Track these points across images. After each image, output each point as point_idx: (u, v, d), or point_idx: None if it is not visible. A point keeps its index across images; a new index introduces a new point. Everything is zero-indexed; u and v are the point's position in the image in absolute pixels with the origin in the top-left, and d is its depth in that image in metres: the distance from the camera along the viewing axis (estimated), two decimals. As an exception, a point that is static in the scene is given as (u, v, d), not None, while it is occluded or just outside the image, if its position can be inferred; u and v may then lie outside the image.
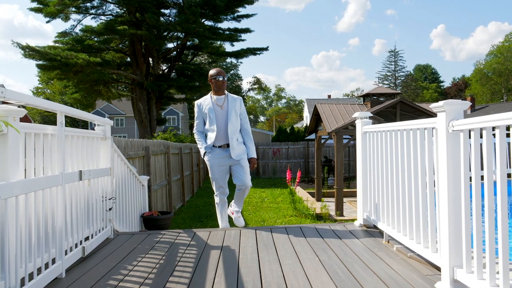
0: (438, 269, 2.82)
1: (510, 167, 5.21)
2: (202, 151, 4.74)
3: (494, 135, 2.17)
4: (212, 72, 4.72)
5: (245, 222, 4.73)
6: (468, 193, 2.41)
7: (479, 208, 2.31)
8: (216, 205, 4.90)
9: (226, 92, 4.77)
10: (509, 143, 5.00)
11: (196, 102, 4.77)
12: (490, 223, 2.19)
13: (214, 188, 4.82)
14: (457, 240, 2.48)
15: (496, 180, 2.11)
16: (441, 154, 2.56)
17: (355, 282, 2.75)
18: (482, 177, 2.27)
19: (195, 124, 4.86)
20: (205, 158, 4.72)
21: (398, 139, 3.38)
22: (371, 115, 4.50)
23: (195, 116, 4.82)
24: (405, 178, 3.26)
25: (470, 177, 2.38)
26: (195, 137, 4.85)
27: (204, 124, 4.75)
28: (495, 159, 2.14)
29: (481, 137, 2.26)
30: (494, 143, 2.15)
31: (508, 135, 1.97)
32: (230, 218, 5.03)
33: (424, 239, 2.97)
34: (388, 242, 3.76)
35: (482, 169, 2.27)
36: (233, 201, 4.92)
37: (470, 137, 2.38)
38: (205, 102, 4.72)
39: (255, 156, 4.81)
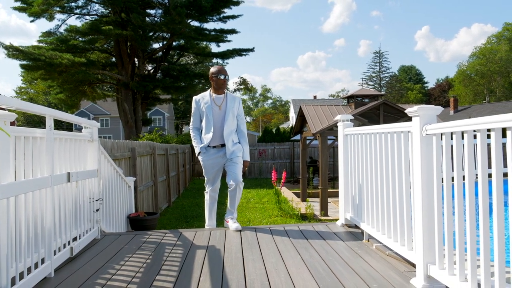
0: (414, 266, 2.95)
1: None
2: (197, 150, 4.74)
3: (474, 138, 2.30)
4: (213, 69, 4.71)
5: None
6: (441, 193, 2.55)
7: (450, 208, 2.45)
8: (205, 202, 4.92)
9: (226, 91, 4.75)
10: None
11: (195, 98, 4.75)
12: (460, 222, 2.33)
13: (206, 187, 4.84)
14: (430, 238, 2.62)
15: (464, 182, 2.25)
16: (416, 157, 2.70)
17: (335, 279, 2.88)
18: (453, 179, 2.42)
19: (191, 121, 4.84)
20: (199, 158, 4.73)
21: (377, 141, 3.51)
22: (353, 117, 4.63)
23: (192, 112, 4.80)
24: (383, 179, 3.39)
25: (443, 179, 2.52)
26: (191, 133, 4.84)
27: (201, 121, 4.74)
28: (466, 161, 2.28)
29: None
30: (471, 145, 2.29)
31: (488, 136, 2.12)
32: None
33: (401, 238, 3.10)
34: (368, 240, 3.90)
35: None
36: (227, 209, 4.81)
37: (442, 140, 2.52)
38: (204, 99, 4.69)
39: (248, 159, 4.83)
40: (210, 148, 4.68)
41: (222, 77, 4.65)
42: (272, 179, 11.85)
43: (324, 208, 11.23)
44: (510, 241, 1.85)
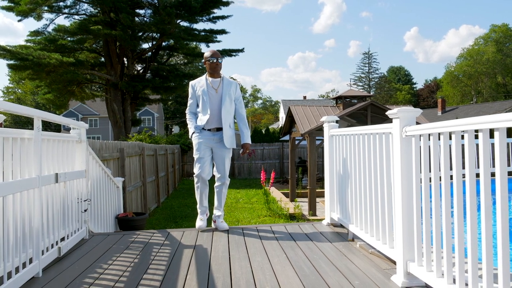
0: (395, 263, 3.03)
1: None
2: (191, 131, 4.69)
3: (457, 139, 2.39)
4: (206, 53, 4.69)
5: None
6: (419, 193, 2.64)
7: (428, 208, 2.53)
8: (195, 187, 4.71)
9: (222, 75, 4.72)
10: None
11: (191, 83, 4.72)
12: (436, 221, 2.41)
13: (195, 170, 4.64)
14: (409, 237, 2.71)
15: (440, 182, 2.34)
16: (396, 157, 2.79)
17: (318, 276, 2.96)
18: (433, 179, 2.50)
19: (188, 104, 4.81)
20: (193, 136, 4.66)
21: (361, 142, 3.60)
22: (338, 118, 4.72)
23: (189, 96, 4.76)
24: (366, 179, 3.48)
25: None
26: (186, 116, 4.81)
27: (197, 105, 4.71)
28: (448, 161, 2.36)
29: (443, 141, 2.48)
30: (449, 146, 2.37)
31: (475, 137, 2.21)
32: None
33: (382, 236, 3.19)
34: (353, 239, 3.98)
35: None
36: (214, 208, 4.81)
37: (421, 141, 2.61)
38: (200, 83, 4.66)
39: (249, 141, 4.80)
40: (205, 131, 4.62)
41: (214, 60, 4.61)
42: (261, 179, 11.92)
43: (312, 208, 11.32)
44: (481, 239, 1.94)
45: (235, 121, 4.89)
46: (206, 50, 4.83)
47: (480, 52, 55.91)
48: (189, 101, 4.77)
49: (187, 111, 4.82)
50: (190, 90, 4.74)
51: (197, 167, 4.65)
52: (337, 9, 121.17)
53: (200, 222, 4.70)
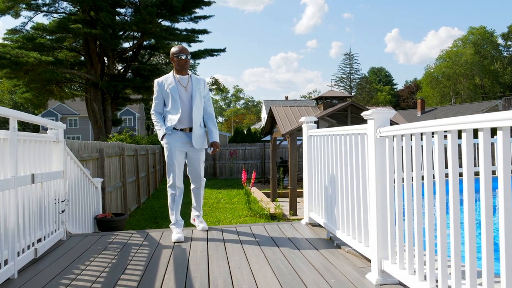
0: (370, 261, 3.09)
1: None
2: (160, 133, 4.35)
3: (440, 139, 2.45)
4: (173, 49, 4.45)
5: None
6: (393, 193, 2.70)
7: (401, 207, 2.59)
8: (170, 198, 4.46)
9: (189, 72, 4.51)
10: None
11: (157, 81, 4.43)
12: (409, 220, 2.48)
13: (169, 179, 4.40)
14: (383, 235, 2.76)
15: (413, 183, 2.40)
16: (371, 158, 2.84)
17: (295, 275, 3.00)
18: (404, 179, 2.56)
19: (153, 104, 4.47)
20: (164, 141, 4.35)
21: (337, 143, 3.65)
22: (316, 119, 4.77)
23: (154, 96, 4.45)
24: (343, 179, 3.53)
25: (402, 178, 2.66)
26: (152, 118, 4.49)
27: (164, 105, 4.42)
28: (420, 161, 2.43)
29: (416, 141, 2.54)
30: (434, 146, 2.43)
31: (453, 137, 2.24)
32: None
33: (358, 235, 3.24)
34: (330, 238, 4.03)
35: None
36: (193, 208, 4.75)
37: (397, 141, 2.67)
38: (167, 81, 4.37)
39: (217, 140, 4.53)
40: (177, 131, 4.35)
41: (183, 56, 4.39)
42: (243, 179, 11.94)
43: (293, 208, 11.40)
44: (451, 237, 2.00)
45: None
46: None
47: (459, 54, 57.00)
48: (155, 101, 4.46)
49: (152, 111, 4.49)
50: (156, 88, 4.44)
51: (171, 176, 4.40)
52: (319, 10, 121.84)
53: (177, 234, 4.21)
